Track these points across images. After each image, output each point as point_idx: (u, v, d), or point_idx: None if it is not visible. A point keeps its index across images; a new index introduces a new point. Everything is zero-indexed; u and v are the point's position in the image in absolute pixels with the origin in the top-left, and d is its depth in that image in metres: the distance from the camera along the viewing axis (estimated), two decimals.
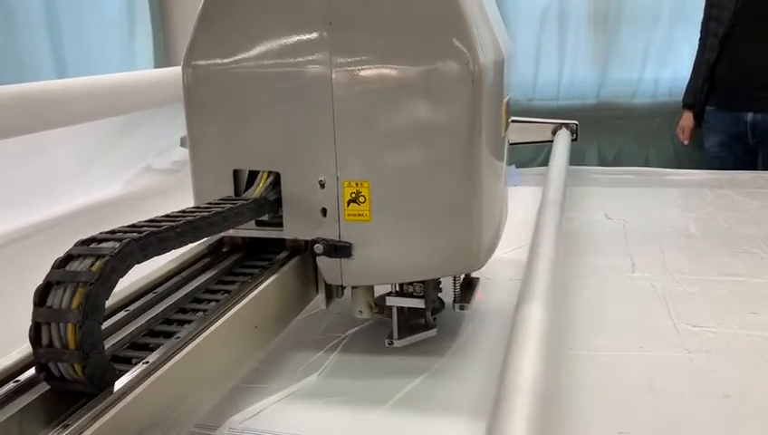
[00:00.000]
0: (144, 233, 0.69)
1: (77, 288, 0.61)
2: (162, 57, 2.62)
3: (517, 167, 2.19)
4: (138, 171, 2.28)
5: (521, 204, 1.54)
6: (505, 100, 1.03)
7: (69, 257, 0.64)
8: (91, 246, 0.66)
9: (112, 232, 0.69)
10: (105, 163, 2.16)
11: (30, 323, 0.62)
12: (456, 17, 0.87)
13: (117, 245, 0.65)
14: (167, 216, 0.78)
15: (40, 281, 0.63)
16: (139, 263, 0.68)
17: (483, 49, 0.88)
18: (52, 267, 0.63)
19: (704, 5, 2.60)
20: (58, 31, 2.20)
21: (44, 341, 0.62)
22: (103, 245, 0.65)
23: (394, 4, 0.88)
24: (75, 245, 0.66)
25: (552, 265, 1.06)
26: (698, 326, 1.10)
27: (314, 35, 0.90)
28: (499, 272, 1.29)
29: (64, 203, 1.89)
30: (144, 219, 0.76)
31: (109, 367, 0.64)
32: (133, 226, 0.72)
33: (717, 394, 0.91)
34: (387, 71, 0.88)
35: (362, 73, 0.89)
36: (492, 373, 0.89)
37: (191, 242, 0.79)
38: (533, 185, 1.88)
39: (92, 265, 0.63)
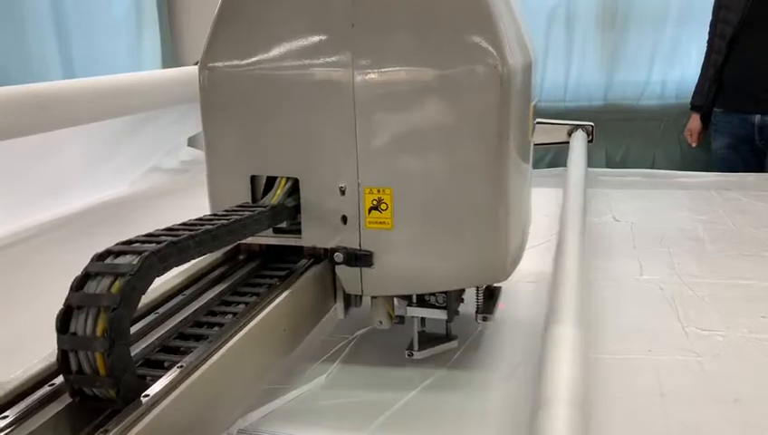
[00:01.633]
0: (163, 243, 0.66)
1: (99, 313, 0.59)
2: (170, 57, 2.63)
3: None
4: (145, 171, 2.28)
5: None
6: (532, 104, 0.99)
7: (86, 276, 0.61)
8: (107, 261, 0.62)
9: (129, 242, 0.66)
10: (113, 163, 2.16)
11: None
12: (484, 18, 0.83)
13: (136, 260, 0.61)
14: (184, 224, 0.75)
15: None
16: (159, 276, 0.65)
17: (511, 51, 0.84)
18: (71, 289, 0.61)
19: (712, 7, 2.59)
20: (66, 31, 2.20)
21: (73, 367, 0.60)
22: (121, 260, 0.62)
23: (419, 4, 0.85)
24: (92, 260, 0.63)
25: (581, 276, 1.04)
26: (707, 330, 1.09)
27: (336, 37, 0.86)
28: (515, 273, 1.28)
29: (73, 202, 1.90)
30: (161, 228, 0.72)
31: (142, 385, 0.62)
32: (150, 235, 0.69)
33: (728, 399, 0.90)
34: (410, 73, 0.85)
35: (385, 76, 0.85)
36: (515, 377, 0.92)
37: (210, 251, 0.75)
38: (543, 186, 1.88)
39: (112, 284, 0.60)
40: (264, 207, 0.88)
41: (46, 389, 0.63)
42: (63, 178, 1.96)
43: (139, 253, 0.63)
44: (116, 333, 0.59)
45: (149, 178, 2.25)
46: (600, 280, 1.31)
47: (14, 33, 2.07)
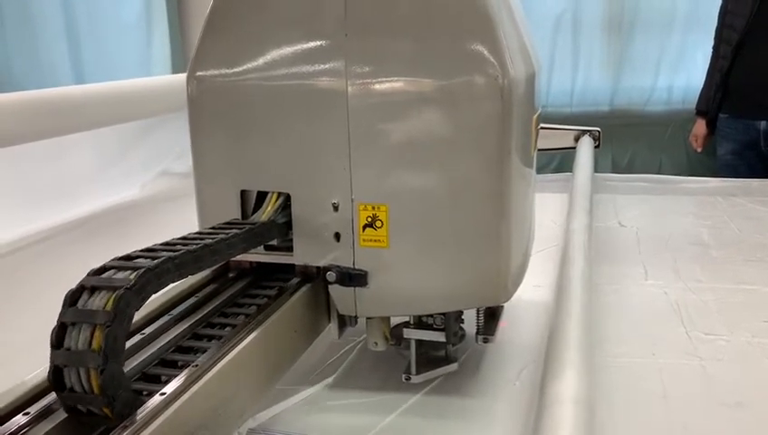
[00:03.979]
0: (140, 270, 0.59)
1: (89, 372, 0.56)
2: (180, 62, 2.64)
3: None
4: (155, 174, 2.30)
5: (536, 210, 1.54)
6: (535, 116, 0.93)
7: (63, 327, 0.57)
8: (80, 304, 0.57)
9: (102, 270, 0.60)
10: (123, 167, 2.18)
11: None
12: (484, 26, 0.77)
13: (111, 299, 0.56)
14: (165, 244, 0.69)
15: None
16: (138, 309, 0.59)
17: (513, 61, 0.78)
18: (52, 345, 0.57)
19: (718, 13, 2.58)
20: (76, 36, 2.21)
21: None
22: (94, 304, 0.57)
23: (415, 12, 0.79)
24: (65, 305, 0.57)
25: (586, 281, 1.04)
26: (711, 334, 1.08)
27: (329, 46, 0.80)
28: None
29: (84, 205, 1.91)
30: (139, 249, 0.66)
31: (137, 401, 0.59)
32: (127, 258, 0.63)
33: (729, 402, 0.89)
34: (407, 84, 0.79)
35: (380, 87, 0.79)
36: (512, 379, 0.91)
37: (192, 274, 0.69)
38: (549, 191, 1.89)
39: (92, 335, 0.56)
40: (253, 224, 0.82)
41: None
42: (74, 181, 1.98)
43: (114, 289, 0.57)
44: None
45: (160, 181, 2.25)
46: (606, 285, 1.29)
47: (26, 38, 2.09)
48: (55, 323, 0.58)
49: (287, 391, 0.92)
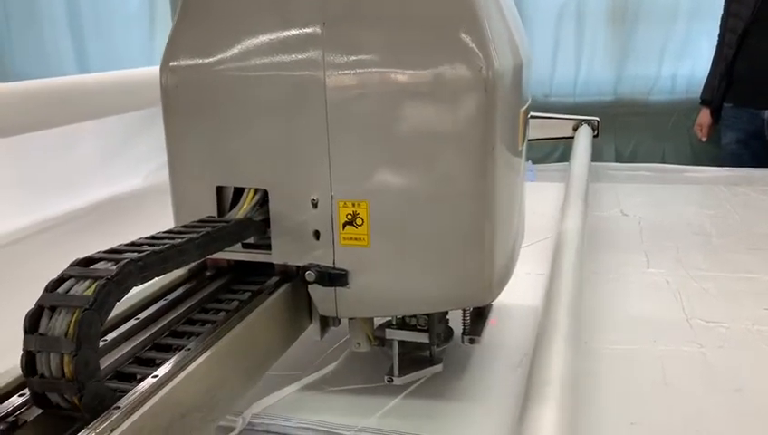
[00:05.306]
0: (101, 279, 0.55)
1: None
2: None
3: (533, 163, 2.20)
4: (159, 164, 2.30)
5: (538, 199, 1.55)
6: (523, 109, 0.88)
7: (31, 355, 0.55)
8: (42, 330, 0.54)
9: (60, 281, 0.56)
10: (127, 156, 2.19)
11: None
12: (467, 15, 0.73)
13: (71, 321, 0.53)
14: (132, 244, 0.65)
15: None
16: (103, 323, 0.56)
17: (498, 52, 0.73)
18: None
19: (723, 1, 2.54)
20: (79, 26, 2.22)
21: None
22: (55, 329, 0.54)
23: (395, 0, 0.75)
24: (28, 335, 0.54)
25: (576, 267, 1.05)
26: (712, 322, 1.08)
27: (306, 35, 0.76)
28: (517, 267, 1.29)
29: (88, 195, 1.91)
30: (103, 249, 0.62)
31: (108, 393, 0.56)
32: (88, 260, 0.59)
33: (729, 389, 0.90)
34: (387, 75, 0.75)
35: (359, 78, 0.75)
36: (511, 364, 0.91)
37: (158, 275, 0.65)
38: (551, 181, 1.89)
39: (62, 362, 0.54)
40: (227, 222, 0.78)
41: None
42: (79, 171, 1.98)
43: (74, 308, 0.54)
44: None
45: (163, 171, 2.27)
46: (607, 273, 1.29)
47: (31, 29, 2.10)
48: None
49: (289, 378, 0.92)
